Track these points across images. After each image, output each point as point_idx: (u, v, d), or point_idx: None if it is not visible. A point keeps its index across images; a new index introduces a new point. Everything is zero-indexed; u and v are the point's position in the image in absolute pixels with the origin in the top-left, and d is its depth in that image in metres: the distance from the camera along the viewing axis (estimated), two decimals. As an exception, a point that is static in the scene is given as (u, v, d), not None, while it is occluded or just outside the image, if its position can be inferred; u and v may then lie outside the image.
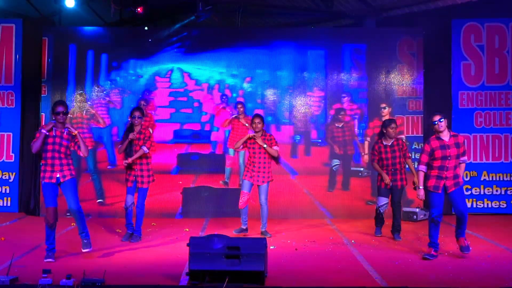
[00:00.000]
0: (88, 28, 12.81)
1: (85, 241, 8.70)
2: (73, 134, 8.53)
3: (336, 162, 12.39)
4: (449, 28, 12.67)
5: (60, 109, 8.49)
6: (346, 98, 12.65)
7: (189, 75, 12.80)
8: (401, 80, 12.54)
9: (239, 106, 12.59)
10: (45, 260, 8.38)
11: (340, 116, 12.51)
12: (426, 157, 8.65)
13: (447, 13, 12.92)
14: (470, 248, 8.75)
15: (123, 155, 9.88)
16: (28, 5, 13.70)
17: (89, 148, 8.96)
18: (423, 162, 8.66)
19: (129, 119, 9.92)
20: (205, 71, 12.78)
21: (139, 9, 11.82)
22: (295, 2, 13.96)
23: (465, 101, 12.60)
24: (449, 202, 9.00)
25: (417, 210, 11.74)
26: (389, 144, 10.15)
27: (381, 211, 10.23)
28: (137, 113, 9.85)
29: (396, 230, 10.12)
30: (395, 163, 10.11)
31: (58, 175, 8.52)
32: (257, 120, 10.18)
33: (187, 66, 12.76)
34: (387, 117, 11.77)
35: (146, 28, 12.75)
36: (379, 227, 10.40)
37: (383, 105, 12.35)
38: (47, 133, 8.43)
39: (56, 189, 8.56)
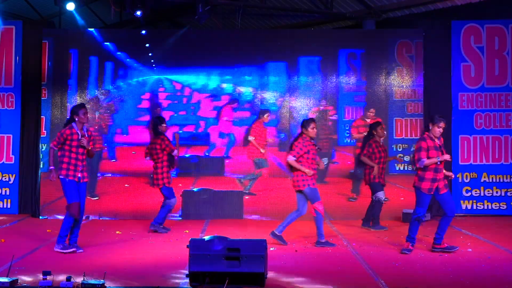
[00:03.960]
0: (89, 31, 12.76)
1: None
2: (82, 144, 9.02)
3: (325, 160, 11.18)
4: (449, 29, 12.67)
5: (83, 111, 9.00)
6: (323, 102, 12.72)
7: (187, 82, 12.85)
8: (400, 82, 12.56)
9: (267, 114, 12.54)
10: (55, 249, 8.98)
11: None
12: (426, 153, 8.76)
13: (447, 14, 12.94)
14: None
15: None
16: (28, 7, 13.72)
17: (97, 150, 9.41)
18: (424, 157, 8.77)
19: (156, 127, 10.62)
20: (201, 76, 12.85)
21: (138, 13, 11.86)
22: (295, 4, 13.97)
23: (465, 103, 12.60)
24: (439, 203, 9.22)
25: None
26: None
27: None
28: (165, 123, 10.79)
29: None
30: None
31: (79, 175, 9.01)
32: (314, 125, 9.54)
33: (184, 74, 12.84)
34: None
35: (143, 31, 12.75)
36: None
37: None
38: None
39: (77, 186, 9.01)
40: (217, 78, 12.83)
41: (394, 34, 12.69)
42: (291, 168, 9.58)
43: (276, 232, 9.68)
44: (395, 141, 12.52)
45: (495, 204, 12.42)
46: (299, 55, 12.68)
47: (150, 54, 12.80)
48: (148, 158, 10.78)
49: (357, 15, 13.56)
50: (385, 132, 11.06)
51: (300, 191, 9.59)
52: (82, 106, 9.19)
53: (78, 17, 12.50)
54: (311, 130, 9.50)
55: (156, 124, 10.66)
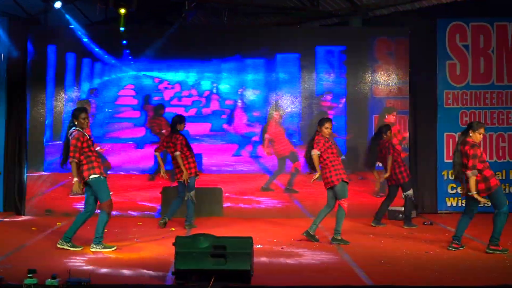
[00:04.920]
0: (68, 27, 12.67)
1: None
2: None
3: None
4: (435, 27, 12.74)
5: (83, 115, 8.98)
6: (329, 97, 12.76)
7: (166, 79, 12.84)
8: (380, 80, 12.61)
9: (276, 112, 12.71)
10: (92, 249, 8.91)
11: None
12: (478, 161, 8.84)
13: (433, 12, 13.01)
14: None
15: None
16: (14, 4, 13.60)
17: None
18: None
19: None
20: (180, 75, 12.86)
21: (122, 11, 11.87)
22: (282, 2, 13.97)
23: (450, 100, 12.68)
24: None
25: (403, 209, 11.77)
26: None
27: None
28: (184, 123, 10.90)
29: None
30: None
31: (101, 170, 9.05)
32: (329, 125, 9.62)
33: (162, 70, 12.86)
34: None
35: (122, 29, 12.72)
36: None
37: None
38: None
39: None
40: (195, 75, 12.82)
41: (380, 32, 12.76)
42: (312, 166, 9.64)
43: (310, 232, 9.74)
44: None
45: (480, 202, 12.46)
46: (277, 52, 12.76)
47: (127, 51, 12.73)
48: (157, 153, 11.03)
49: (343, 13, 13.58)
50: (392, 136, 11.34)
51: (331, 188, 9.59)
52: (82, 110, 9.11)
53: (69, 17, 12.46)
54: (325, 130, 9.56)
55: (175, 122, 10.83)
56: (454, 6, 12.79)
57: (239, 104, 12.81)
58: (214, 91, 12.86)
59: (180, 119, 10.85)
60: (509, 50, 12.69)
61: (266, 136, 12.67)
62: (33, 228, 10.81)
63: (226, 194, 12.44)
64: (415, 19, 12.98)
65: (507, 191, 12.62)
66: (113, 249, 8.96)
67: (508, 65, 12.68)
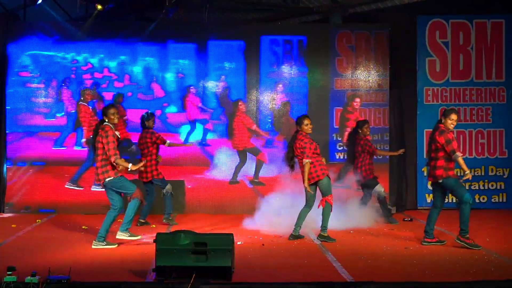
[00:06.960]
0: (43, 24, 12.60)
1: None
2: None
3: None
4: (415, 24, 12.80)
5: (112, 111, 8.98)
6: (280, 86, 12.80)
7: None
8: (367, 76, 12.64)
9: (240, 102, 12.59)
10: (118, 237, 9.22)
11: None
12: (456, 143, 8.88)
13: (413, 9, 13.08)
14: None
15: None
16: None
17: None
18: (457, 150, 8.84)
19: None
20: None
21: (99, 7, 11.82)
22: (263, -2, 13.99)
23: (430, 97, 12.76)
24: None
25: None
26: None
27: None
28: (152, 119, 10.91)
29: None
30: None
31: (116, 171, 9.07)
32: (308, 121, 9.61)
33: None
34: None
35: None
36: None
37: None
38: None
39: None
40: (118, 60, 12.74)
41: (361, 28, 12.80)
42: (292, 165, 9.68)
43: (294, 234, 9.68)
44: (334, 130, 12.63)
45: (459, 198, 12.54)
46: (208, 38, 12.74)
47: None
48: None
49: (324, 10, 13.61)
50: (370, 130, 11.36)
51: (315, 183, 9.54)
52: (110, 106, 9.13)
53: (50, 10, 12.43)
54: (306, 127, 9.51)
55: (143, 119, 10.84)
56: (434, 3, 12.88)
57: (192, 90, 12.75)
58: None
59: (147, 116, 10.84)
60: (488, 47, 12.80)
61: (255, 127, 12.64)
62: (13, 225, 10.74)
63: (189, 186, 12.44)
64: (395, 16, 13.04)
65: (486, 187, 12.74)
66: (138, 237, 9.26)
67: (487, 62, 12.79)
